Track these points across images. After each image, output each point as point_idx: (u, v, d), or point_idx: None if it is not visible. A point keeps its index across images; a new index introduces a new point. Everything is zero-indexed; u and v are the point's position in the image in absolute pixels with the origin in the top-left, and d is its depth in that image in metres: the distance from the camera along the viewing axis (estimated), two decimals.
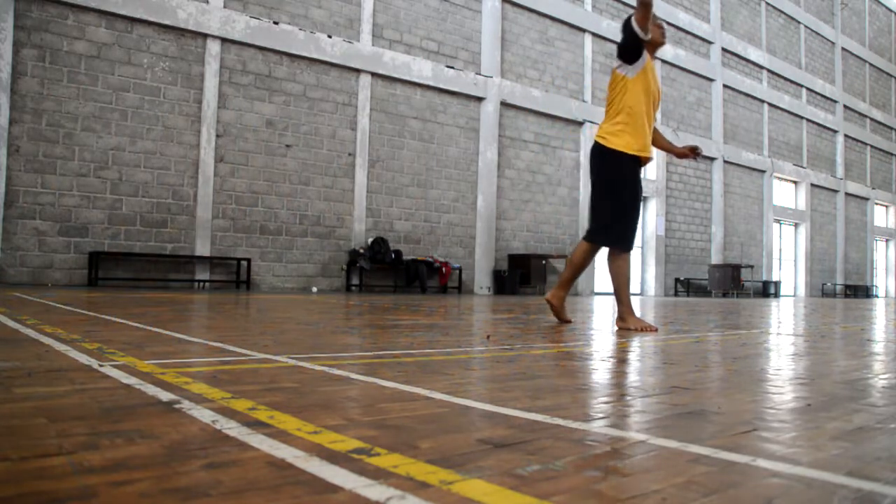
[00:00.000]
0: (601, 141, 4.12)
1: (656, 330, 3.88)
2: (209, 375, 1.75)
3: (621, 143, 4.03)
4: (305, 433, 1.12)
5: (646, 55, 4.04)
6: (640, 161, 4.11)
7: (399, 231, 13.11)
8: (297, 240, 11.86)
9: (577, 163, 16.33)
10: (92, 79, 9.98)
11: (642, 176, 4.29)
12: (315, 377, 1.76)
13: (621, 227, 4.05)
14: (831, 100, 25.49)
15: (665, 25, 4.21)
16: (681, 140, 18.94)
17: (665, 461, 1.02)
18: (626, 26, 3.96)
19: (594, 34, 16.78)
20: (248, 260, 11.15)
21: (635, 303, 10.10)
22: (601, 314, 6.12)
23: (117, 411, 1.26)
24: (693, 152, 4.24)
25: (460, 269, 13.67)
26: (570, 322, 4.39)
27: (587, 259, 4.19)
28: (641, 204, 4.36)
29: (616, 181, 4.05)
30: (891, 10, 29.77)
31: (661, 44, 4.16)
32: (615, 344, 3.11)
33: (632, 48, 3.98)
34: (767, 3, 22.61)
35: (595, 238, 4.15)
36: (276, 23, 11.59)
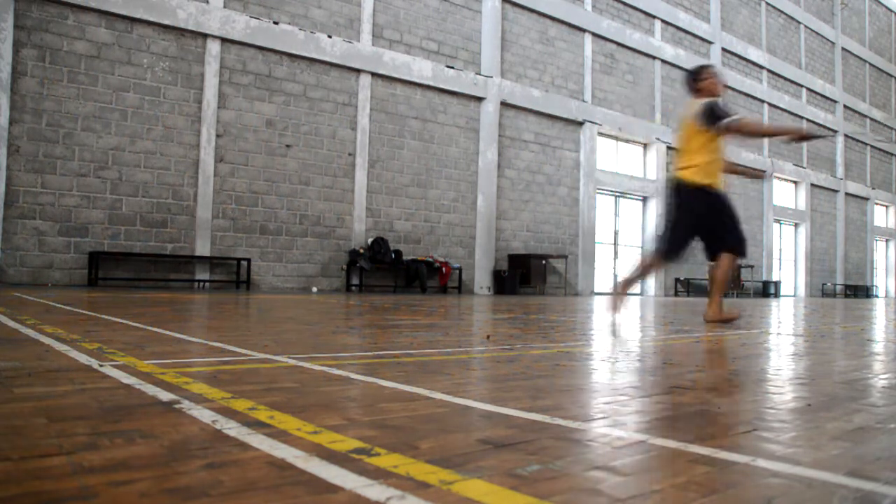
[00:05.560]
0: None
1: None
2: (209, 375, 1.75)
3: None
4: (305, 433, 1.12)
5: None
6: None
7: (399, 231, 13.11)
8: (297, 240, 11.86)
9: (576, 163, 16.33)
10: (92, 79, 9.98)
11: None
12: (315, 377, 1.76)
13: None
14: (831, 100, 25.48)
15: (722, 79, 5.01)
16: None
17: (665, 461, 1.02)
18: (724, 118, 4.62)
19: (594, 34, 16.77)
20: (248, 260, 11.15)
21: (636, 303, 10.11)
22: (601, 314, 6.11)
23: (117, 411, 1.26)
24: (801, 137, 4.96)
25: (460, 269, 13.67)
26: (737, 317, 4.86)
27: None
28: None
29: None
30: (891, 10, 29.76)
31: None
32: (615, 344, 3.11)
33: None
34: (767, 3, 22.60)
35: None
36: (276, 23, 11.59)
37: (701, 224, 4.70)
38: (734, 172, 5.21)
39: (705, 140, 4.60)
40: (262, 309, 5.19)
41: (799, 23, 24.06)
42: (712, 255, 4.80)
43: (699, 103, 4.63)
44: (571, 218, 16.20)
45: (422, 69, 13.36)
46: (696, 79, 4.82)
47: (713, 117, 4.52)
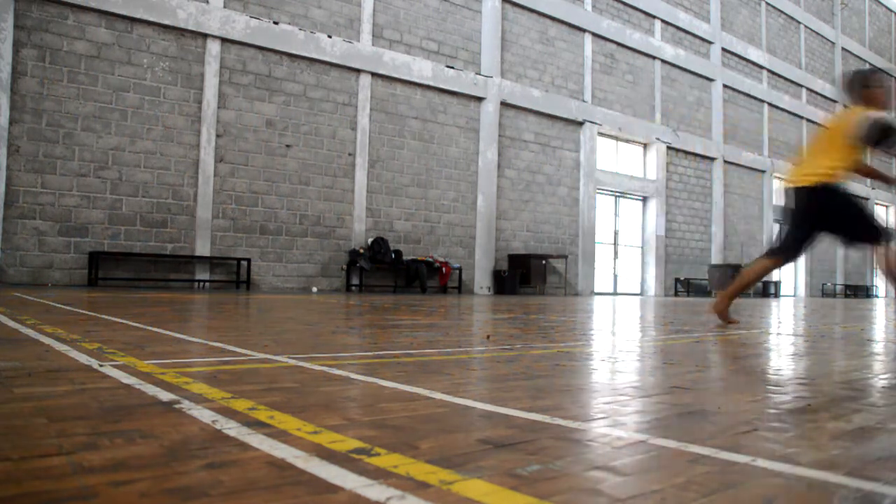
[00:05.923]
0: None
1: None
2: (209, 375, 1.75)
3: None
4: (305, 433, 1.12)
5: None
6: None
7: (399, 231, 13.11)
8: (297, 240, 11.86)
9: (576, 163, 16.33)
10: (92, 79, 9.98)
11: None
12: (315, 377, 1.76)
13: None
14: (831, 100, 25.49)
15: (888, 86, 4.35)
16: (681, 140, 18.94)
17: (665, 461, 1.02)
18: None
19: (594, 34, 16.77)
20: (248, 260, 11.15)
21: (636, 303, 10.10)
22: (601, 314, 6.11)
23: (117, 411, 1.26)
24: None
25: (460, 269, 13.67)
26: (734, 323, 4.62)
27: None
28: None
29: None
30: (891, 10, 29.77)
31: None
32: (615, 344, 3.11)
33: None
34: (767, 3, 22.60)
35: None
36: (276, 23, 11.59)
37: (826, 222, 4.28)
38: (877, 178, 4.64)
39: (851, 153, 4.09)
40: (261, 309, 5.19)
41: (799, 23, 24.07)
42: (866, 241, 4.29)
43: (866, 115, 4.02)
44: (571, 218, 16.20)
45: (422, 69, 13.36)
46: (866, 84, 4.17)
47: (885, 137, 3.94)
